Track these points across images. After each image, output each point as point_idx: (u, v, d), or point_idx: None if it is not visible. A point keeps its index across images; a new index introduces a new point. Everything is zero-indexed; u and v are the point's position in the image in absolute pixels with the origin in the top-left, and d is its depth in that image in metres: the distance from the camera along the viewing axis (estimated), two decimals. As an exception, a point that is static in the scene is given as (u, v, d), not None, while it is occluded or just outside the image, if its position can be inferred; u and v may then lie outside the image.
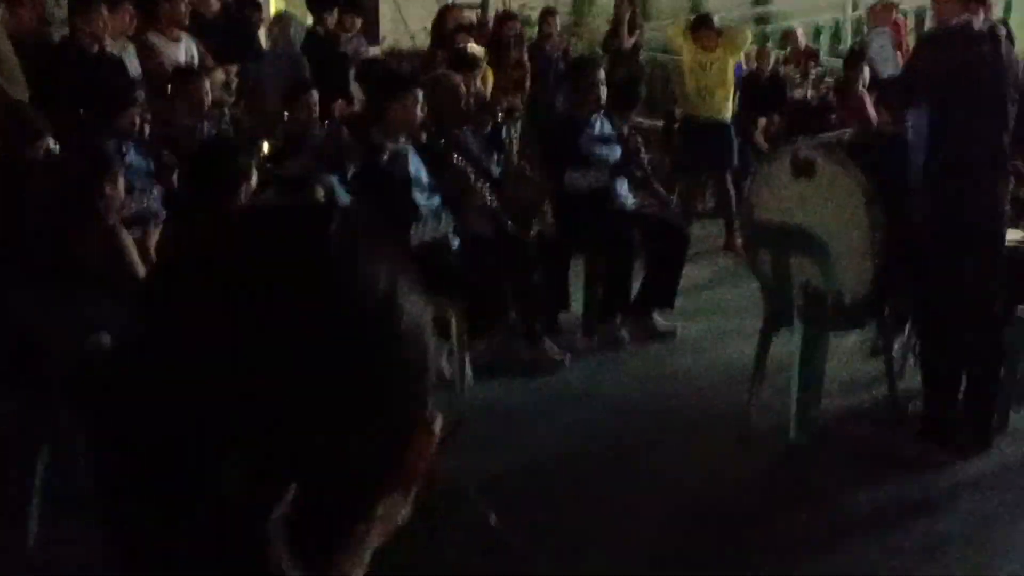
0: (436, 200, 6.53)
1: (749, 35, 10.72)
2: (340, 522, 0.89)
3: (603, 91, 7.55)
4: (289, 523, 0.84)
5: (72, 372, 4.05)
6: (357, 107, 8.66)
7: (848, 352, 6.64)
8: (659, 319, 7.47)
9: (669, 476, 5.44)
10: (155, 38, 8.13)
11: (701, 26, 9.75)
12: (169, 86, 7.51)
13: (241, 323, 0.83)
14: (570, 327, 7.39)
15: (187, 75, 7.55)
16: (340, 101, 8.91)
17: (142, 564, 0.86)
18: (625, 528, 4.90)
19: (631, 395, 6.52)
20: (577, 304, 7.52)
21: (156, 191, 6.38)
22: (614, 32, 11.69)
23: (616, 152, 7.49)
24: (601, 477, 5.43)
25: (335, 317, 0.85)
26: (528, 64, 10.03)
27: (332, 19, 10.10)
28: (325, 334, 0.84)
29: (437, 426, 0.93)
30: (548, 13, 11.67)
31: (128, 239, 4.60)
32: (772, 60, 11.85)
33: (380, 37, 15.37)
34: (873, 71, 6.62)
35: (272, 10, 15.18)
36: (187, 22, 8.41)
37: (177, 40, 8.19)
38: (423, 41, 11.82)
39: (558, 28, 11.52)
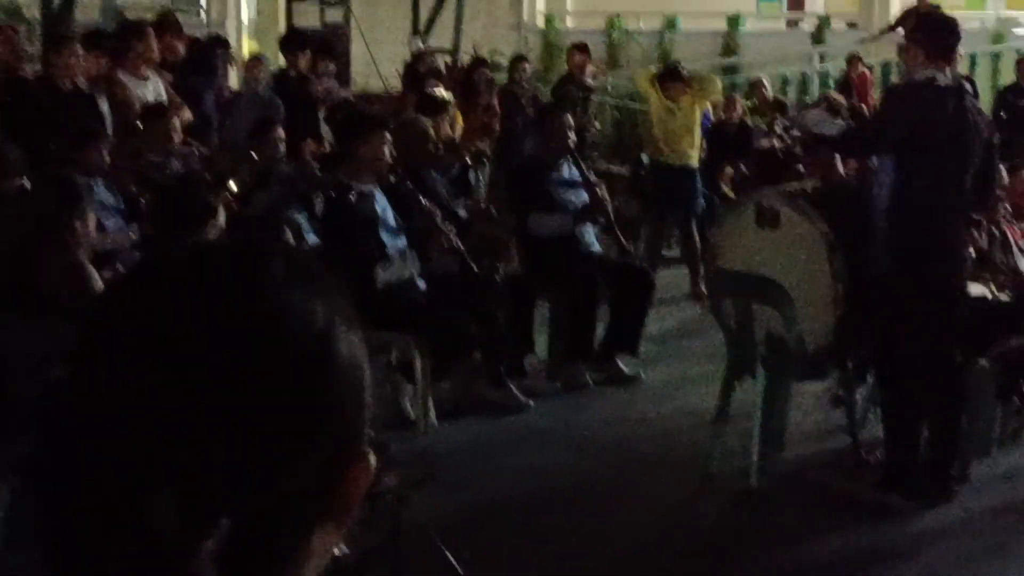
0: (402, 241, 6.55)
1: (719, 84, 10.83)
2: (273, 555, 0.88)
3: (571, 136, 7.62)
4: (220, 556, 0.84)
5: (34, 402, 4.03)
6: (327, 149, 8.68)
7: (811, 401, 6.69)
8: (622, 365, 7.50)
9: (632, 518, 5.46)
10: (124, 76, 8.14)
11: (669, 77, 9.83)
12: (138, 123, 7.52)
13: (176, 355, 0.84)
14: (534, 370, 7.41)
15: (156, 112, 7.56)
16: (309, 140, 8.93)
17: None
18: (587, 568, 4.90)
19: (595, 437, 6.54)
20: (541, 347, 7.54)
21: (134, 229, 6.36)
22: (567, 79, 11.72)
23: (582, 196, 7.54)
24: (564, 518, 5.43)
25: (270, 352, 0.86)
26: (497, 108, 10.10)
27: (305, 61, 10.16)
28: (260, 369, 0.85)
29: (372, 459, 0.93)
30: (519, 59, 11.78)
31: (94, 274, 4.59)
32: (740, 110, 11.97)
33: (351, 79, 15.47)
34: (817, 135, 6.67)
35: (245, 51, 15.27)
36: (157, 61, 8.41)
37: (145, 79, 8.20)
38: (394, 84, 11.89)
39: (528, 74, 11.62)
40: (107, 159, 6.75)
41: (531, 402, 6.90)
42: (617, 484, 5.89)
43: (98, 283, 4.51)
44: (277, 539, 0.88)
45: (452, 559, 4.36)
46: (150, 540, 0.83)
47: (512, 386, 6.92)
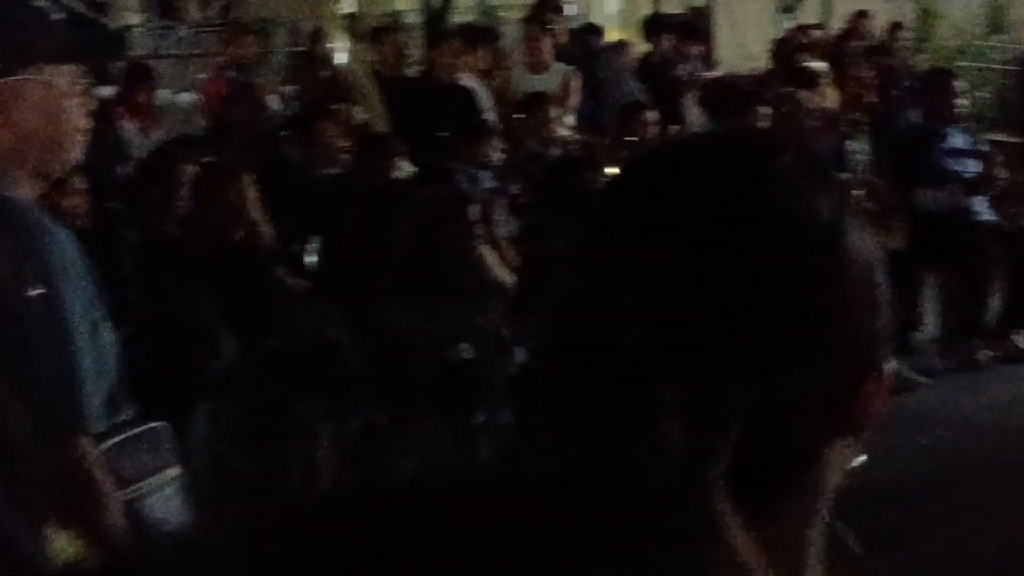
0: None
1: None
2: (784, 470, 0.85)
3: (958, 104, 7.24)
4: (730, 472, 0.79)
5: (436, 382, 4.22)
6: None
7: None
8: (1019, 342, 7.07)
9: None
10: (514, 70, 8.43)
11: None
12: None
13: (688, 249, 0.82)
14: (924, 349, 7.11)
15: (534, 103, 7.74)
16: (676, 128, 8.90)
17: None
18: (979, 556, 4.64)
19: (990, 420, 6.20)
20: (932, 325, 7.22)
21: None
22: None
23: (972, 166, 7.15)
24: (956, 503, 5.17)
25: (781, 241, 0.83)
26: (874, 80, 9.73)
27: (667, 44, 10.12)
28: (772, 259, 0.82)
29: (889, 374, 0.89)
30: (895, 27, 11.33)
31: (489, 253, 4.75)
32: None
33: (717, 61, 15.35)
34: None
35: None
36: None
37: (542, 71, 8.41)
38: (761, 64, 11.69)
39: (904, 42, 11.15)
40: (492, 151, 6.99)
41: (924, 380, 6.62)
42: (1014, 471, 5.53)
43: (494, 262, 4.67)
44: (787, 452, 0.84)
45: (849, 536, 4.23)
46: (655, 452, 0.79)
47: (901, 365, 6.66)
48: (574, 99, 8.33)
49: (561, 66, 8.46)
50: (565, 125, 7.89)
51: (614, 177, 0.93)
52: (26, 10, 2.30)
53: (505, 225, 6.51)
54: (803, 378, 0.83)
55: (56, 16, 2.31)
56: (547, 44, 8.47)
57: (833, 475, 0.88)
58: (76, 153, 2.33)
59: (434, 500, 0.74)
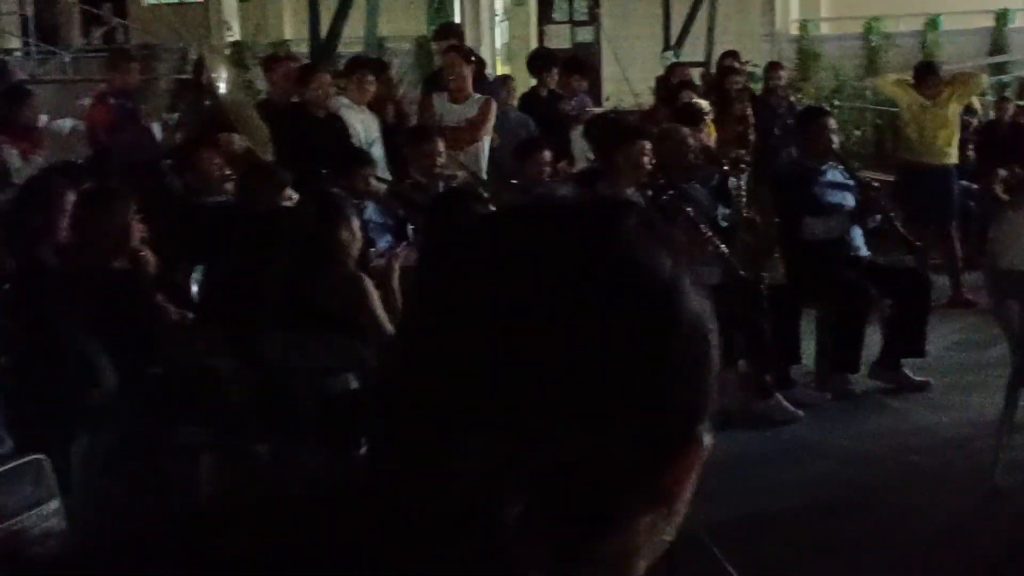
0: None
1: (983, 79, 10.36)
2: (587, 529, 0.82)
3: (835, 139, 7.43)
4: (532, 520, 0.79)
5: (318, 413, 4.19)
6: (577, 168, 8.73)
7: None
8: (908, 372, 7.24)
9: (909, 534, 5.21)
10: (437, 97, 8.44)
11: (924, 71, 9.48)
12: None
13: (520, 292, 0.81)
14: (802, 380, 7.24)
15: (420, 136, 7.76)
16: (563, 162, 8.98)
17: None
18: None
19: (867, 449, 6.32)
20: (808, 357, 7.36)
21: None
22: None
23: (851, 200, 7.34)
24: (836, 532, 5.25)
25: (616, 296, 0.82)
26: (752, 117, 9.95)
27: (552, 79, 10.20)
28: (602, 311, 0.81)
29: (707, 447, 0.87)
30: (773, 66, 11.61)
31: (370, 285, 4.73)
32: (1011, 110, 11.42)
33: (604, 97, 15.55)
34: None
35: (497, 72, 15.56)
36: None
37: (462, 101, 8.43)
38: (646, 100, 11.88)
39: (783, 82, 11.43)
40: (373, 183, 6.99)
41: (800, 412, 6.75)
42: (892, 498, 5.65)
43: (373, 294, 4.65)
44: (592, 511, 0.81)
45: (730, 568, 4.29)
46: (452, 478, 0.79)
47: (779, 397, 6.78)
48: (490, 126, 8.38)
49: (478, 96, 8.51)
50: (463, 157, 7.94)
51: (463, 233, 0.92)
52: None
53: (389, 256, 6.54)
54: (614, 433, 0.81)
55: None
56: (468, 73, 8.50)
57: (645, 549, 0.86)
58: None
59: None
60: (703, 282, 0.88)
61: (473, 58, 8.96)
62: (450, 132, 7.90)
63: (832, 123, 7.52)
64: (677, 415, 0.84)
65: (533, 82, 10.34)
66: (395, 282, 4.83)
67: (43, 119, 9.16)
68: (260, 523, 0.79)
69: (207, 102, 7.87)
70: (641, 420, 0.82)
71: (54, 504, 2.69)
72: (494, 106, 8.50)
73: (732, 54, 11.76)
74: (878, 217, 7.36)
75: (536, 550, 0.79)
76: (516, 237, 0.86)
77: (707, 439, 0.87)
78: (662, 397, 0.83)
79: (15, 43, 14.55)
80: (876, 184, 7.34)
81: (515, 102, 10.02)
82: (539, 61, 10.46)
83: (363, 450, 4.53)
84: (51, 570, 0.82)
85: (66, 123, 9.91)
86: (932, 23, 16.47)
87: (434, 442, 0.81)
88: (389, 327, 4.54)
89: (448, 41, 9.49)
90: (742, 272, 6.67)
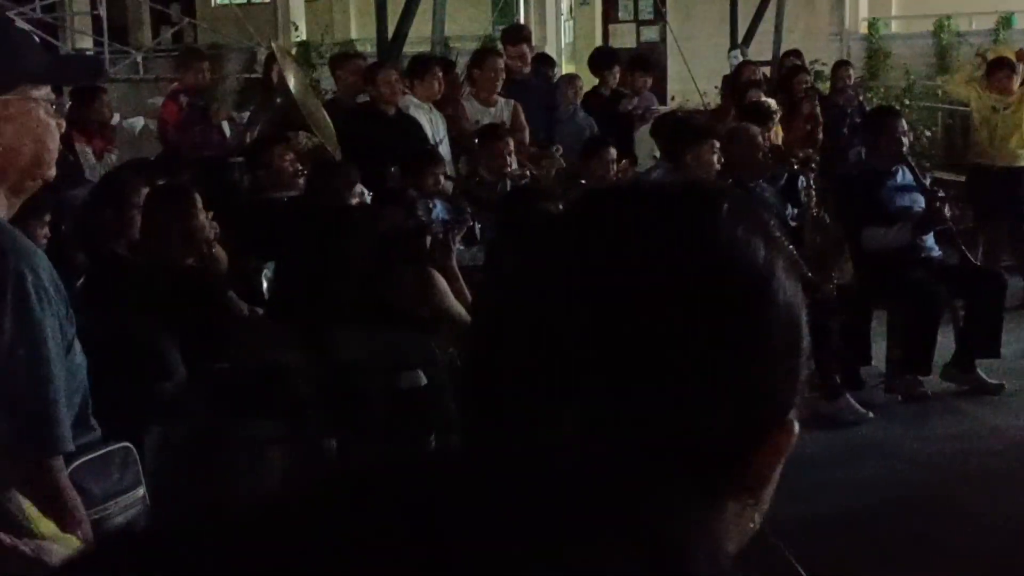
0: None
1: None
2: (685, 504, 0.82)
3: (905, 141, 7.33)
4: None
5: (387, 408, 4.21)
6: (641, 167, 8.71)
7: None
8: (983, 374, 7.15)
9: (975, 533, 5.17)
10: (467, 102, 8.45)
11: (998, 67, 9.33)
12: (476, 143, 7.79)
13: (616, 277, 0.82)
14: (872, 382, 7.17)
15: (491, 134, 7.77)
16: (625, 161, 8.96)
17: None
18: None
19: (936, 450, 6.26)
20: (878, 360, 7.29)
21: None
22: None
23: (920, 202, 7.23)
24: (902, 534, 5.21)
25: (713, 283, 0.83)
26: (820, 117, 9.86)
27: (613, 77, 10.17)
28: (701, 297, 0.82)
29: (796, 429, 0.87)
30: (841, 65, 11.49)
31: (439, 279, 4.76)
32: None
33: (669, 96, 15.48)
34: None
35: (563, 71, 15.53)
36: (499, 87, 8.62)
37: (492, 104, 8.46)
38: (712, 99, 11.81)
39: (851, 81, 11.31)
40: (441, 182, 7.01)
41: (870, 413, 6.69)
42: (960, 501, 5.59)
43: (446, 291, 4.68)
44: (680, 492, 0.82)
45: (798, 567, 4.26)
46: (543, 447, 0.80)
47: (848, 398, 6.73)
48: (522, 132, 8.40)
49: (505, 100, 8.53)
50: (519, 157, 7.95)
51: (556, 215, 0.94)
52: (13, 34, 2.33)
53: (460, 253, 6.56)
54: (705, 416, 0.82)
55: (36, 41, 2.34)
56: (501, 78, 8.53)
57: (734, 533, 0.88)
58: (52, 172, 2.35)
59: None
60: (797, 270, 0.88)
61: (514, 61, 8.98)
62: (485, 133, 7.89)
63: (903, 124, 7.42)
64: (769, 399, 0.85)
65: (597, 81, 10.32)
66: (455, 264, 4.85)
67: (115, 118, 9.30)
68: (401, 489, 0.77)
69: (278, 100, 7.94)
70: (734, 403, 0.83)
71: (140, 492, 2.73)
72: (520, 112, 8.53)
73: (795, 53, 11.67)
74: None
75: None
76: (615, 219, 0.86)
77: (796, 426, 0.88)
78: (755, 381, 0.84)
79: (87, 43, 14.76)
80: (942, 194, 7.20)
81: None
82: (600, 60, 10.44)
83: (431, 444, 4.57)
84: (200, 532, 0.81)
85: (137, 121, 10.06)
86: (1006, 21, 16.19)
87: (532, 423, 0.81)
88: (464, 315, 4.56)
89: (518, 45, 9.45)
90: (809, 273, 6.61)
